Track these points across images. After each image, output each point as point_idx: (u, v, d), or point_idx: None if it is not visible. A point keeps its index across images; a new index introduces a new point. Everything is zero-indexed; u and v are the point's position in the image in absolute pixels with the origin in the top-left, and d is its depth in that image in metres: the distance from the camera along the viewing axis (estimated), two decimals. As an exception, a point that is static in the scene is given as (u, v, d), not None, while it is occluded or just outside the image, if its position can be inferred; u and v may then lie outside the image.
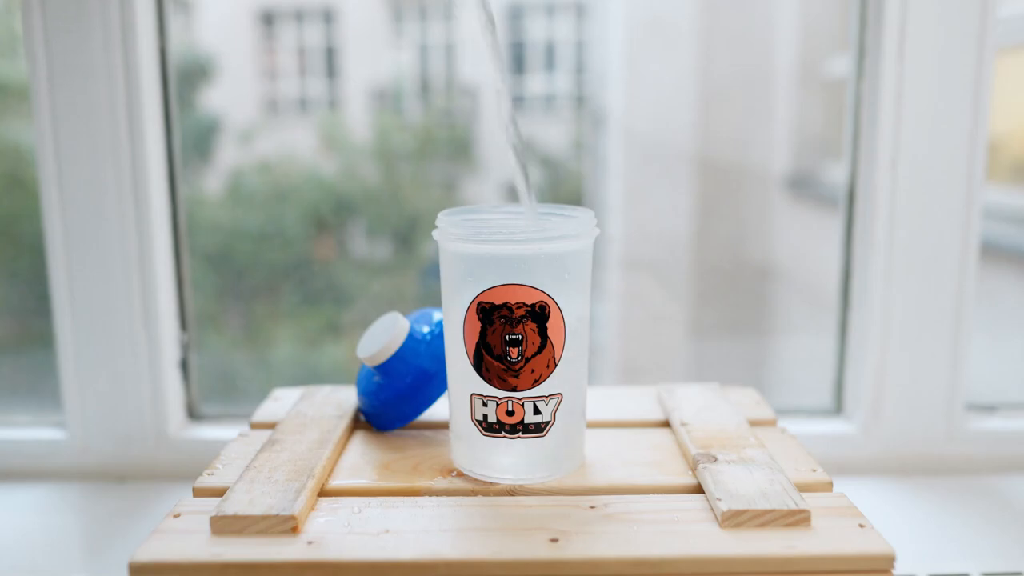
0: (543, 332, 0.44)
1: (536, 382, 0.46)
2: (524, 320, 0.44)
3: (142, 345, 0.80)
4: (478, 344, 0.46)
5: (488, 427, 0.50)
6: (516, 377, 0.45)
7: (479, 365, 0.47)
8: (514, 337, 0.44)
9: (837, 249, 0.87)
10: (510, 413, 0.47)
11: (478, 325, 0.45)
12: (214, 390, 0.93)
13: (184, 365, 0.84)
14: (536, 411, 0.49)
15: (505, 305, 0.44)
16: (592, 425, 0.60)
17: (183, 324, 0.84)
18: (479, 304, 0.45)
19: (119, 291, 0.79)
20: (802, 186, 2.26)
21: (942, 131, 0.78)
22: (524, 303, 0.44)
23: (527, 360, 0.44)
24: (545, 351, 0.45)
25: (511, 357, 0.44)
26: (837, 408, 0.86)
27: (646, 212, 2.62)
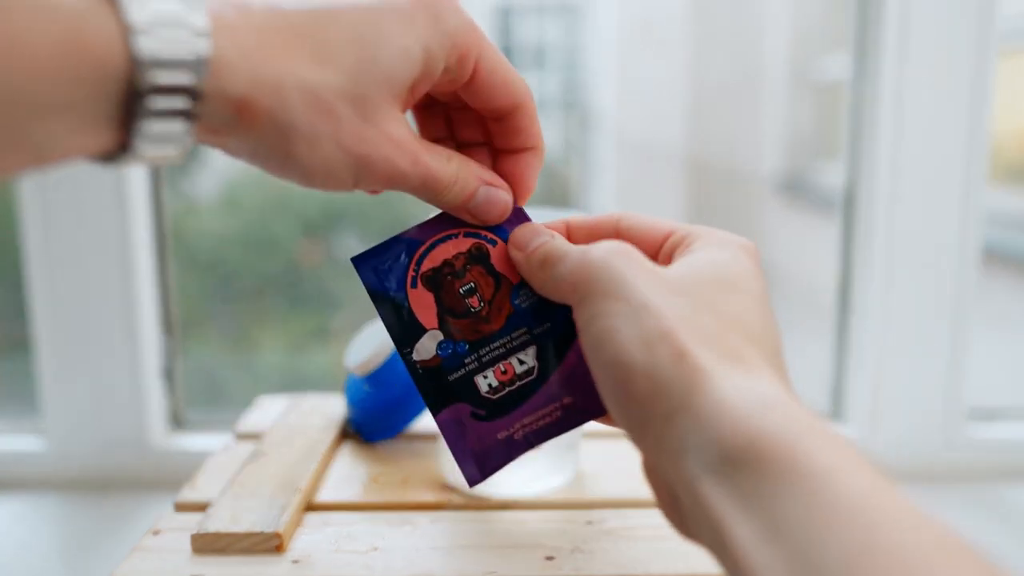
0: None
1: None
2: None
3: (123, 351, 0.78)
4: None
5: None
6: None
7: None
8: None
9: (831, 254, 0.85)
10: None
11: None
12: (200, 395, 0.91)
13: (168, 372, 0.82)
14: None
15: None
16: (587, 436, 0.59)
17: (168, 330, 0.82)
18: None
19: (99, 295, 0.77)
20: (795, 190, 2.26)
21: (942, 134, 0.77)
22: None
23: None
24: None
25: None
26: (836, 415, 0.85)
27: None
